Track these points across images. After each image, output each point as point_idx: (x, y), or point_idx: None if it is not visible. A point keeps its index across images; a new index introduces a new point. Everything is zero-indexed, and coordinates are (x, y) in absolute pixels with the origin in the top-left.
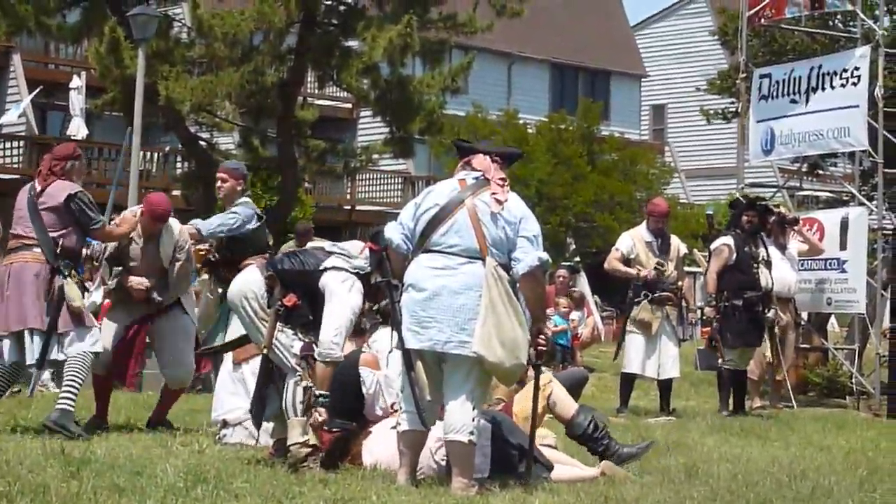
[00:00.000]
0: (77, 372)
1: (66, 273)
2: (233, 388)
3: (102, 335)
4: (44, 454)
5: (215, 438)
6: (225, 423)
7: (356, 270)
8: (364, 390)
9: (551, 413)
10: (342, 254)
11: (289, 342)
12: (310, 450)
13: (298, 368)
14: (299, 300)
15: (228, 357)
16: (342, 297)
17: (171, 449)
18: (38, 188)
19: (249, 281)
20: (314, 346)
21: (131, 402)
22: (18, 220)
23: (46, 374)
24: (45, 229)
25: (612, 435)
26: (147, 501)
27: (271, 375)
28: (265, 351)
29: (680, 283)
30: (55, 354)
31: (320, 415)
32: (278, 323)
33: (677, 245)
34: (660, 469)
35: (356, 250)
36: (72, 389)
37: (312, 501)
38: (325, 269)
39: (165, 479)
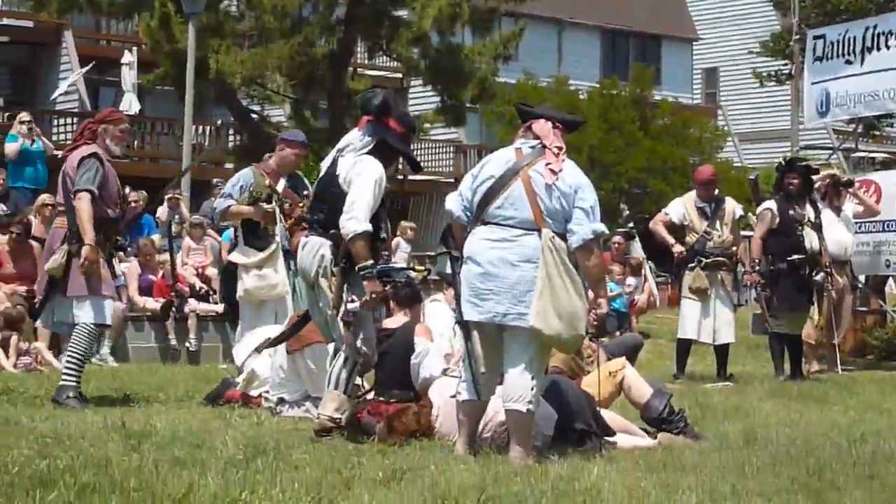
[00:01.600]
0: (76, 345)
1: (74, 240)
2: (285, 374)
3: None
4: (105, 428)
5: (272, 412)
6: (282, 401)
7: (362, 148)
8: (412, 358)
9: (626, 397)
10: (344, 147)
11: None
12: (334, 425)
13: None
14: None
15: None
16: (360, 176)
17: (230, 422)
18: (66, 153)
19: (320, 249)
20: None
21: (190, 375)
22: (59, 187)
23: (105, 349)
24: (67, 195)
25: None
26: (207, 474)
27: None
28: (331, 314)
29: (735, 247)
30: (63, 317)
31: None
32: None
33: (732, 208)
34: (718, 435)
35: (355, 136)
36: (69, 363)
37: (371, 472)
38: (340, 163)
39: (225, 452)
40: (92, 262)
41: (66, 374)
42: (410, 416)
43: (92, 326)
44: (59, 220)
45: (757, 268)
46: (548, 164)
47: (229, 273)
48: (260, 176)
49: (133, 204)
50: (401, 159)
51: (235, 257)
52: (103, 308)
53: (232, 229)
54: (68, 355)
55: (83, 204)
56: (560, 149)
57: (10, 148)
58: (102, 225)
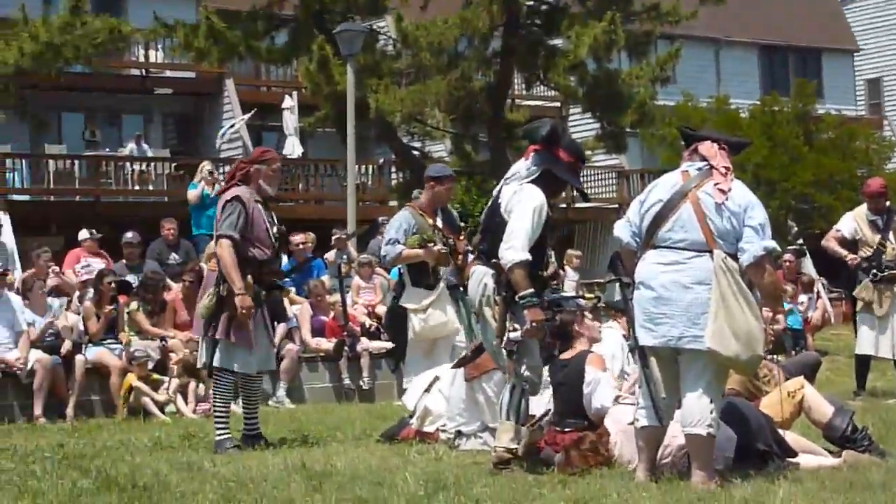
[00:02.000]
0: (216, 395)
1: (222, 281)
2: (463, 405)
3: None
4: (286, 469)
5: (450, 445)
6: (459, 434)
7: (527, 177)
8: (584, 388)
9: (807, 417)
10: (511, 176)
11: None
12: (512, 456)
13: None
14: None
15: (460, 372)
16: (522, 202)
17: (409, 458)
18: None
19: (484, 273)
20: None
21: (366, 414)
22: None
23: (281, 391)
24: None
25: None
26: None
27: None
28: (496, 343)
29: None
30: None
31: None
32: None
33: None
34: None
35: (521, 166)
36: (216, 416)
37: (553, 503)
38: (505, 191)
39: (406, 489)
40: (248, 309)
41: (216, 427)
42: (588, 445)
43: (228, 373)
44: (212, 263)
45: None
46: (716, 183)
47: (396, 314)
48: (420, 216)
49: (301, 246)
50: (570, 188)
51: (406, 302)
52: (239, 355)
53: (398, 269)
54: (213, 407)
55: (224, 251)
56: (728, 169)
57: (192, 195)
58: (249, 266)
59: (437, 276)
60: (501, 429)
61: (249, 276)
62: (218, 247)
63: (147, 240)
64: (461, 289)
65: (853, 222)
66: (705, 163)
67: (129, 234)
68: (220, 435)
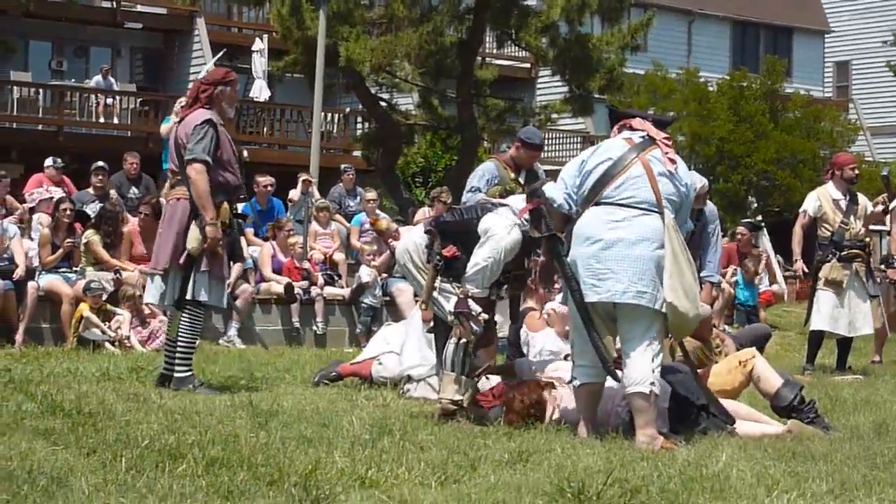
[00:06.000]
0: (187, 329)
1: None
2: (419, 345)
3: None
4: (232, 406)
5: (399, 392)
6: (409, 378)
7: (519, 222)
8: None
9: (755, 387)
10: (508, 206)
11: (447, 297)
12: (457, 407)
13: (453, 325)
14: (459, 252)
15: (417, 314)
16: (498, 236)
17: (356, 403)
18: (179, 118)
19: (413, 236)
20: (469, 301)
21: (316, 358)
22: (170, 154)
23: (233, 331)
24: (183, 162)
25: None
26: (334, 452)
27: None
28: (423, 305)
29: (867, 239)
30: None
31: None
32: (439, 277)
33: (864, 203)
34: (848, 426)
35: (519, 206)
36: (183, 352)
37: (497, 454)
38: (488, 213)
39: (352, 431)
40: (217, 240)
41: (181, 363)
42: (515, 396)
43: (201, 310)
44: (180, 190)
45: (893, 263)
46: (665, 153)
47: None
48: (503, 169)
49: (268, 188)
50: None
51: None
52: (214, 287)
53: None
54: (181, 343)
55: (199, 176)
56: (669, 139)
57: (164, 129)
58: (223, 192)
59: None
60: (445, 380)
61: (225, 203)
62: (191, 170)
63: (109, 173)
64: None
65: (817, 201)
66: (645, 132)
67: (100, 162)
68: (183, 372)
